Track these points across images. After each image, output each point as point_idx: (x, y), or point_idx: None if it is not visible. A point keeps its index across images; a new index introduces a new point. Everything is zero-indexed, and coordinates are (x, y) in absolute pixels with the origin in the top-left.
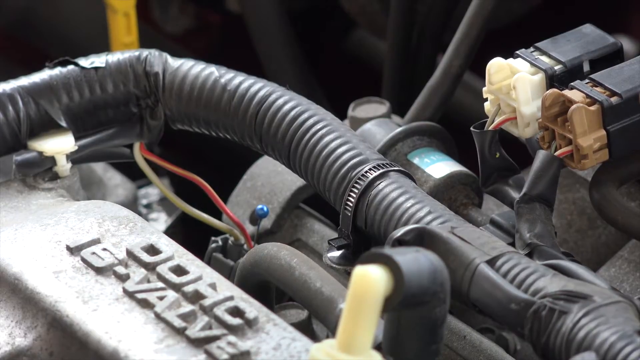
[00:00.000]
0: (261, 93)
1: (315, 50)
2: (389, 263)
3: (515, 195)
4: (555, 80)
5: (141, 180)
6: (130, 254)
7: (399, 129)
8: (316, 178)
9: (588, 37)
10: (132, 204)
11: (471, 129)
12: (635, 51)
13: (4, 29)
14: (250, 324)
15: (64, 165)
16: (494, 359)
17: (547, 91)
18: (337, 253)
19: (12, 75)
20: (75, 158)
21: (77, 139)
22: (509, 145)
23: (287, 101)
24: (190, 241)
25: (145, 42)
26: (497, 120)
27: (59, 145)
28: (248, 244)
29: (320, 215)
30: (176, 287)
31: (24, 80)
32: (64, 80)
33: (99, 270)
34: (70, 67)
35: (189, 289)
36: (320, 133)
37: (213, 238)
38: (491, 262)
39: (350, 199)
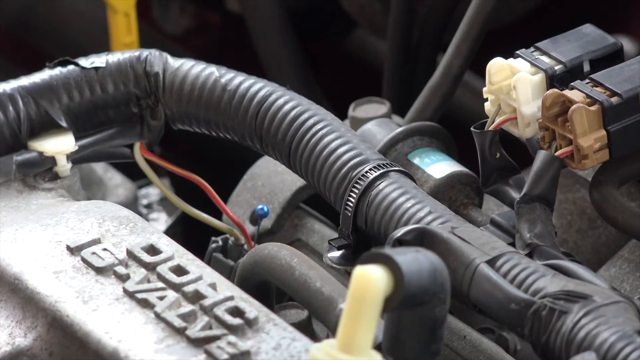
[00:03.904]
0: (261, 93)
1: (315, 50)
2: (389, 263)
3: (516, 195)
4: (556, 80)
5: (141, 180)
6: (130, 254)
7: (400, 129)
8: (316, 178)
9: (588, 37)
10: (132, 204)
11: (471, 129)
12: (635, 51)
13: (4, 29)
14: (250, 324)
15: (64, 165)
16: (494, 359)
17: (548, 91)
18: (337, 253)
19: (12, 75)
20: (75, 158)
21: (77, 139)
22: (509, 145)
23: (287, 101)
24: (190, 241)
25: (145, 42)
26: (498, 120)
27: (59, 145)
28: (248, 244)
29: (321, 215)
30: (176, 287)
31: (24, 80)
32: (64, 80)
33: (99, 270)
34: (71, 67)
35: (189, 289)
36: (320, 133)
37: (213, 238)
38: (491, 262)
39: (351, 199)
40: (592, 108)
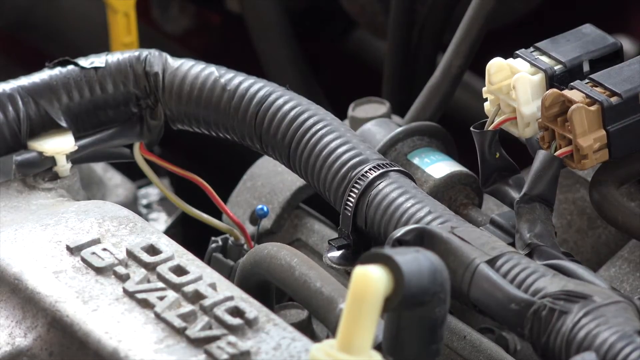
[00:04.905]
0: (261, 93)
1: (315, 50)
2: (389, 263)
3: (515, 195)
4: (555, 80)
5: (141, 180)
6: (130, 254)
7: (399, 129)
8: (316, 178)
9: (588, 37)
10: (132, 204)
11: (471, 129)
12: (635, 51)
13: (4, 29)
14: (250, 324)
15: (64, 165)
16: (494, 359)
17: (547, 91)
18: (337, 253)
19: (12, 75)
20: (75, 158)
21: (77, 139)
22: (509, 145)
23: (287, 101)
24: (190, 241)
25: (145, 42)
26: (497, 120)
27: (59, 145)
28: (248, 244)
29: (320, 215)
30: (176, 287)
31: (24, 80)
32: (64, 80)
33: (99, 270)
34: (70, 67)
35: (189, 289)
36: (320, 133)
37: (213, 238)
38: (491, 262)
39: (350, 199)
40: (592, 108)
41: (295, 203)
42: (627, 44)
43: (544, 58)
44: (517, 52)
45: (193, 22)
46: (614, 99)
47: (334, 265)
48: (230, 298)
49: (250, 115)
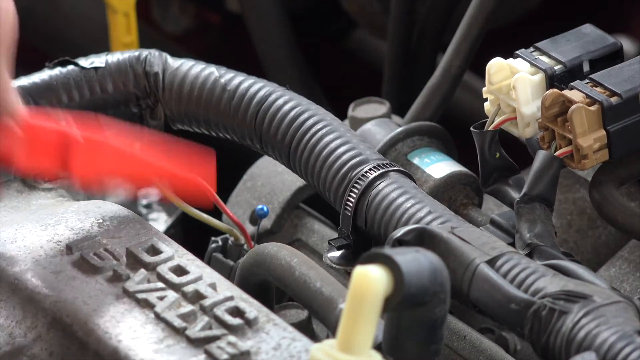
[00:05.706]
0: (261, 93)
1: (315, 50)
2: (389, 263)
3: (515, 195)
4: (555, 80)
5: None
6: (130, 254)
7: (399, 129)
8: (316, 178)
9: (588, 37)
10: (132, 204)
11: (471, 129)
12: (635, 51)
13: None
14: (250, 324)
15: None
16: (494, 359)
17: (547, 91)
18: (337, 253)
19: (12, 76)
20: None
21: None
22: (509, 145)
23: (287, 101)
24: (190, 241)
25: (145, 42)
26: (497, 120)
27: None
28: (248, 244)
29: (320, 215)
30: (176, 287)
31: (24, 80)
32: (64, 81)
33: (99, 270)
34: (70, 67)
35: (189, 289)
36: (320, 133)
37: (213, 238)
38: (491, 262)
39: (350, 199)
40: (592, 108)
41: (295, 203)
42: (627, 44)
43: (544, 58)
44: (517, 52)
45: (193, 22)
46: (614, 99)
47: (334, 265)
48: (230, 298)
49: (250, 115)
